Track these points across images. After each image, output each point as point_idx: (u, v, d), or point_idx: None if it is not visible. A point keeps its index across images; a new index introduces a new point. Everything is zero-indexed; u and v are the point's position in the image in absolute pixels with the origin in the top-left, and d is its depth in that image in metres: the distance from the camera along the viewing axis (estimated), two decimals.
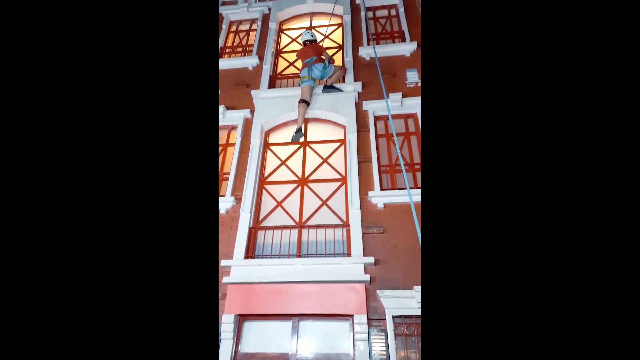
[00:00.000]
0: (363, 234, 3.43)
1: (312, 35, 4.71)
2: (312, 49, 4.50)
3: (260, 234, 3.73)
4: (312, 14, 5.72)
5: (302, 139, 4.22)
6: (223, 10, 5.85)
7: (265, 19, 5.66)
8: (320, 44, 5.08)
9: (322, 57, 4.46)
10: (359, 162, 3.90)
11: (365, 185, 3.75)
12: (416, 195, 3.57)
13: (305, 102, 4.20)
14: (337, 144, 4.25)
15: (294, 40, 5.48)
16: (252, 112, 4.53)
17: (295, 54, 5.14)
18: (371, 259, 3.22)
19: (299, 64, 5.11)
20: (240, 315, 3.21)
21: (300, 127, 4.15)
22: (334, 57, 4.94)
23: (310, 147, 4.30)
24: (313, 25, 5.62)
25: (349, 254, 3.38)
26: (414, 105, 4.24)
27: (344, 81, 4.64)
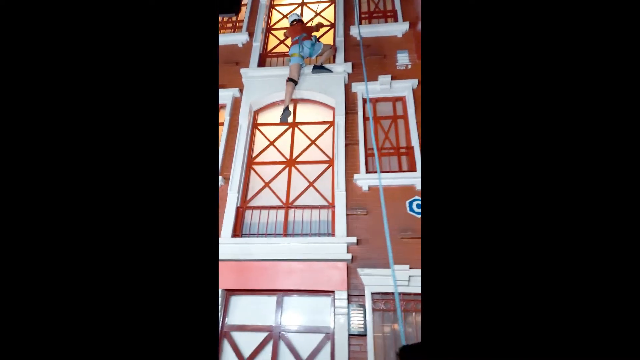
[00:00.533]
0: (347, 215, 3.54)
1: (298, 16, 4.63)
2: (300, 27, 4.43)
3: (248, 213, 3.82)
4: None
5: (290, 119, 4.22)
6: None
7: None
8: (312, 21, 4.98)
9: (310, 33, 4.39)
10: (346, 145, 3.95)
11: (351, 168, 3.82)
12: (400, 179, 3.67)
13: (293, 81, 4.17)
14: (326, 126, 4.28)
15: (285, 16, 5.33)
16: (241, 91, 4.49)
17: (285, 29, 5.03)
18: (353, 239, 3.35)
19: (289, 42, 5.02)
20: (227, 290, 3.36)
21: (288, 107, 4.15)
22: (326, 36, 4.85)
23: (299, 129, 4.32)
24: (305, 1, 5.46)
25: (333, 234, 3.51)
26: (404, 88, 4.24)
27: (334, 61, 4.59)
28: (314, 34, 4.45)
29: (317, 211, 3.74)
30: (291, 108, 4.25)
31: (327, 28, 5.12)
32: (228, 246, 3.49)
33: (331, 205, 3.71)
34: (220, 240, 3.52)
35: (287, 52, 4.85)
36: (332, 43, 4.74)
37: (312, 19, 5.12)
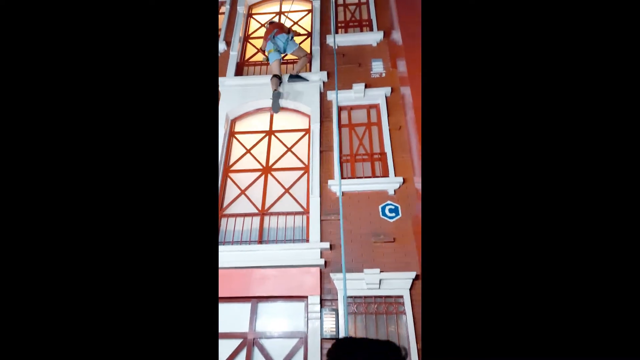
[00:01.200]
0: (321, 220, 3.61)
1: (274, 17, 4.79)
2: (274, 26, 4.58)
3: (224, 221, 3.85)
4: None
5: (280, 102, 4.24)
6: None
7: (234, 2, 5.55)
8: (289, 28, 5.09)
9: (284, 28, 4.54)
10: (321, 152, 4.03)
11: (326, 174, 3.90)
12: (374, 184, 3.76)
13: (277, 77, 4.29)
14: (302, 133, 4.35)
15: (262, 25, 5.42)
16: (218, 100, 4.54)
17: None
18: (327, 244, 3.42)
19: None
20: None
21: (278, 92, 4.20)
22: (302, 45, 4.95)
23: (275, 136, 4.38)
24: (283, 10, 5.56)
25: (307, 240, 3.57)
26: (377, 95, 4.36)
27: (310, 70, 4.69)
28: (290, 30, 4.58)
29: (292, 217, 3.79)
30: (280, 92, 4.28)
31: (304, 37, 5.22)
32: None
33: (306, 211, 3.78)
34: None
35: (264, 60, 4.94)
36: (308, 51, 4.83)
37: (291, 26, 5.21)
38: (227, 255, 3.47)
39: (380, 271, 3.21)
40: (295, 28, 5.31)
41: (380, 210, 3.65)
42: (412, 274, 3.16)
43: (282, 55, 4.52)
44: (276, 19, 5.19)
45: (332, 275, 3.26)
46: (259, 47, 5.14)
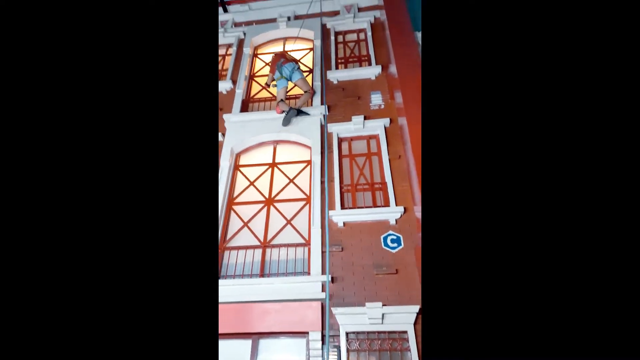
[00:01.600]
0: (323, 252, 3.59)
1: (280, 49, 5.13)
2: (280, 56, 4.90)
3: (226, 254, 3.88)
4: (285, 39, 5.99)
5: (293, 118, 4.50)
6: None
7: (241, 43, 5.92)
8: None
9: (287, 57, 4.85)
10: (322, 182, 4.08)
11: (328, 204, 3.92)
12: (375, 214, 3.75)
13: (283, 102, 4.58)
14: (304, 165, 4.45)
15: (267, 64, 5.73)
16: (224, 135, 4.73)
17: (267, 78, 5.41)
18: (328, 277, 3.37)
19: (272, 88, 5.36)
20: None
21: (288, 111, 4.46)
22: (306, 79, 5.18)
23: (278, 168, 4.49)
24: (286, 49, 5.89)
25: (309, 273, 3.53)
26: (376, 127, 4.46)
27: (312, 104, 4.87)
28: (294, 60, 4.88)
29: (294, 249, 3.79)
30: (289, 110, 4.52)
31: (306, 73, 5.48)
32: None
33: (307, 243, 3.77)
34: None
35: (269, 97, 5.19)
36: (310, 86, 5.04)
37: (298, 61, 5.47)
38: (228, 290, 3.46)
39: (383, 305, 3.12)
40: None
41: (382, 240, 3.61)
42: (416, 308, 3.06)
43: (288, 82, 4.79)
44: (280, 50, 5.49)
45: (333, 309, 3.19)
46: (263, 84, 5.41)
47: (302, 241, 3.83)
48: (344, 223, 3.77)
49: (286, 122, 4.50)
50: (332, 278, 3.40)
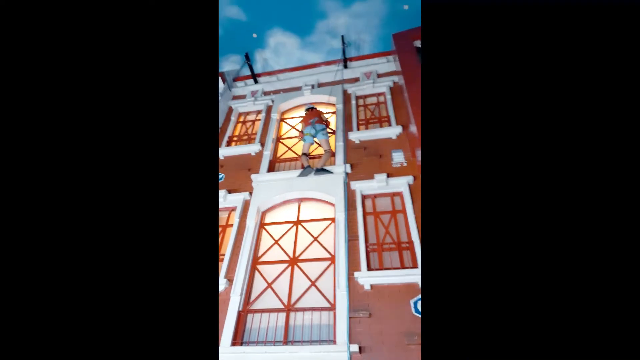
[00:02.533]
0: (349, 318, 3.40)
1: (311, 105, 5.62)
2: (313, 114, 5.31)
3: (249, 317, 3.76)
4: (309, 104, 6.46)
5: (310, 174, 4.77)
6: (233, 103, 6.75)
7: (269, 110, 6.45)
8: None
9: (323, 120, 5.26)
10: (346, 241, 4.03)
11: (352, 265, 3.82)
12: (403, 276, 3.58)
13: (305, 155, 4.97)
14: (328, 222, 4.45)
15: (292, 127, 6.13)
16: (251, 194, 4.92)
17: (293, 139, 5.76)
18: (355, 347, 3.14)
19: (297, 148, 5.67)
20: None
21: (307, 166, 4.81)
22: (329, 140, 5.44)
23: (302, 226, 4.52)
24: (322, 111, 6.31)
25: (334, 341, 3.31)
26: (400, 184, 4.48)
27: (334, 163, 5.04)
28: (325, 122, 5.27)
29: (319, 314, 3.62)
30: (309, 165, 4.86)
31: (331, 133, 5.77)
32: (226, 356, 3.35)
33: (332, 307, 3.60)
34: (219, 349, 3.41)
35: (294, 157, 5.47)
36: (332, 148, 5.26)
37: (329, 124, 5.82)
38: (250, 358, 3.29)
39: None
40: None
41: (412, 305, 3.38)
42: None
43: (314, 139, 5.18)
44: (310, 105, 5.90)
45: None
46: (289, 145, 5.74)
47: (327, 305, 3.67)
48: (371, 286, 3.61)
49: (303, 175, 4.81)
50: (359, 348, 3.16)
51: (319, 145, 5.21)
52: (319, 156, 5.21)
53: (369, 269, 3.77)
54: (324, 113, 5.60)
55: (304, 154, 5.03)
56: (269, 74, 7.08)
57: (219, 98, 6.50)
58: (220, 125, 6.34)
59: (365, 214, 4.34)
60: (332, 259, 4.03)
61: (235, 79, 7.13)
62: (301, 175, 4.81)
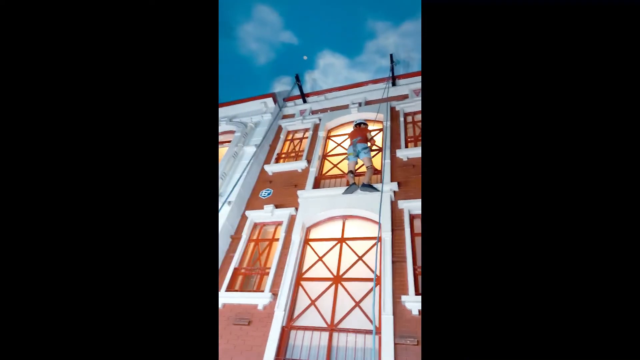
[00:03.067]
0: (395, 344, 3.21)
1: (361, 121, 5.57)
2: (359, 132, 5.28)
3: (292, 333, 3.74)
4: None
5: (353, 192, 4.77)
6: (283, 122, 7.05)
7: (316, 128, 6.62)
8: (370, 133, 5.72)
9: (367, 138, 5.20)
10: (393, 262, 3.88)
11: (399, 288, 3.64)
12: None
13: (351, 172, 4.99)
14: (373, 242, 4.34)
15: (339, 145, 6.20)
16: (297, 209, 5.02)
17: (338, 157, 5.81)
18: None
19: (343, 165, 5.70)
20: None
21: (351, 184, 4.82)
22: (374, 159, 5.39)
23: (347, 244, 4.46)
24: (369, 129, 6.34)
25: None
26: None
27: (381, 181, 4.95)
28: (369, 141, 5.21)
29: (363, 336, 3.48)
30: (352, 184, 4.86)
31: (376, 152, 5.72)
32: None
33: (378, 331, 3.44)
34: None
35: (339, 174, 5.50)
36: (372, 163, 5.16)
37: (372, 136, 5.79)
38: None
39: None
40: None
41: None
42: None
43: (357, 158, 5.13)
44: (360, 120, 5.90)
45: None
46: (335, 162, 5.80)
47: (371, 327, 3.52)
48: (419, 311, 3.40)
49: (348, 192, 4.81)
50: None
51: (362, 161, 5.17)
52: (364, 174, 5.16)
53: (417, 293, 3.56)
54: (369, 130, 5.57)
55: (350, 171, 5.05)
56: (317, 93, 7.32)
57: (271, 118, 6.85)
58: (270, 142, 6.64)
59: (413, 235, 4.15)
60: (377, 280, 3.89)
61: (286, 99, 7.48)
62: (346, 192, 4.81)
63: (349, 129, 6.50)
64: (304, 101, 7.32)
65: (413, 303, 3.45)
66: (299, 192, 5.17)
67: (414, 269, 3.78)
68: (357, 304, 3.77)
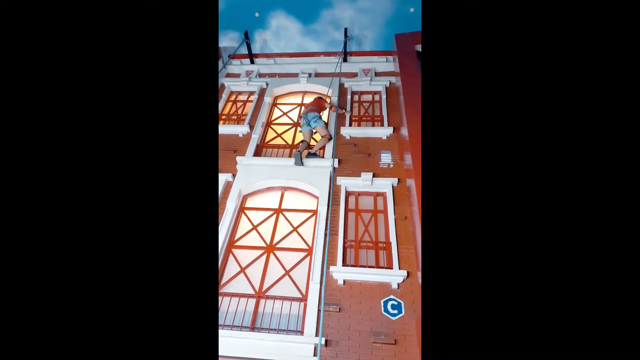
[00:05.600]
0: (319, 310, 3.41)
1: (322, 96, 5.62)
2: (315, 102, 5.33)
3: (219, 300, 3.70)
4: (304, 93, 6.36)
5: (301, 164, 4.75)
6: (226, 81, 6.53)
7: (262, 92, 6.29)
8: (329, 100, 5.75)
9: (323, 107, 5.28)
10: (325, 235, 4.03)
11: (329, 259, 3.83)
12: (377, 275, 3.63)
13: (304, 142, 4.98)
14: (309, 214, 4.43)
15: (285, 114, 6.02)
16: (234, 176, 4.81)
17: (283, 126, 5.67)
18: (322, 340, 3.16)
19: (287, 135, 5.58)
20: None
21: (300, 153, 4.79)
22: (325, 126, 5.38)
23: (284, 215, 4.47)
24: (304, 102, 6.22)
25: (302, 332, 3.32)
26: (384, 184, 4.52)
27: (323, 156, 5.01)
28: (330, 108, 5.33)
29: (289, 303, 3.61)
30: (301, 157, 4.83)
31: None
32: None
33: (304, 298, 3.61)
34: None
35: (282, 144, 5.40)
36: (327, 132, 5.19)
37: (329, 105, 5.70)
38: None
39: None
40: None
41: (382, 305, 3.44)
42: None
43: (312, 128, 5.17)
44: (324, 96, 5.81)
45: None
46: (279, 132, 5.65)
47: (299, 295, 3.67)
48: (344, 281, 3.64)
49: (297, 161, 4.76)
50: (325, 341, 3.18)
51: (317, 131, 5.16)
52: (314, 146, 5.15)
53: (344, 264, 3.79)
54: (326, 101, 5.55)
55: (302, 141, 5.05)
56: (267, 56, 6.90)
57: None
58: None
59: (347, 210, 4.35)
60: (309, 251, 4.03)
61: (232, 56, 6.89)
62: (296, 163, 4.78)
63: (297, 98, 6.34)
64: (252, 62, 6.84)
65: (340, 273, 3.67)
66: (239, 158, 4.95)
67: (344, 242, 4.00)
68: (287, 272, 3.87)
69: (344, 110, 5.59)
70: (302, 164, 4.76)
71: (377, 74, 6.36)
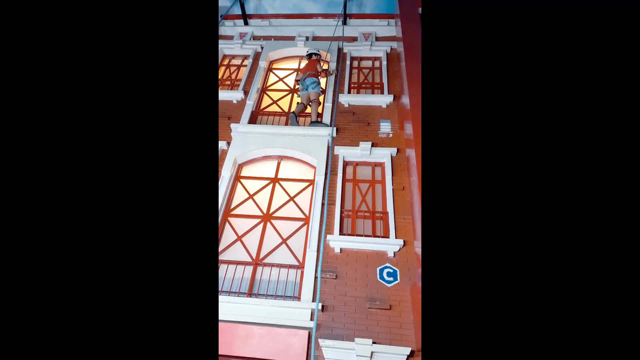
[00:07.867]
0: (315, 277, 3.46)
1: (314, 50, 5.46)
2: (309, 65, 5.22)
3: None
4: (300, 57, 6.06)
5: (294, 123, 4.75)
6: (219, 43, 6.17)
7: (257, 56, 5.98)
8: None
9: (317, 70, 5.17)
10: (323, 204, 4.00)
11: (326, 228, 3.82)
12: (373, 244, 3.65)
13: (302, 104, 4.93)
14: (306, 184, 4.38)
15: (281, 79, 5.77)
16: (229, 144, 4.68)
17: (279, 92, 5.45)
18: (319, 305, 3.23)
19: (283, 102, 5.39)
20: None
21: (295, 113, 4.78)
22: (321, 96, 5.19)
23: (280, 184, 4.41)
24: (300, 68, 5.94)
25: (299, 298, 3.38)
26: (383, 155, 4.44)
27: (322, 120, 4.86)
28: (319, 74, 5.17)
29: (286, 271, 3.65)
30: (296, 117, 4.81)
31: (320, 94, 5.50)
32: None
33: (301, 266, 3.64)
34: None
35: (278, 111, 5.21)
36: (317, 97, 5.00)
37: (326, 69, 5.50)
38: None
39: (373, 342, 2.97)
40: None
41: (378, 272, 3.49)
42: (407, 350, 2.91)
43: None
44: (313, 49, 5.55)
45: (320, 341, 3.03)
46: (275, 98, 5.44)
47: (296, 263, 3.70)
48: (340, 249, 3.66)
49: (292, 122, 4.75)
50: (322, 306, 3.25)
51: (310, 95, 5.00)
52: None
53: (341, 233, 3.80)
54: (319, 62, 5.31)
55: (300, 102, 4.95)
56: (262, 17, 6.49)
57: None
58: None
59: (344, 180, 4.29)
60: (306, 220, 4.01)
61: (224, 17, 6.46)
62: (291, 122, 4.75)
63: (294, 63, 6.05)
64: (246, 23, 6.44)
65: (336, 242, 3.69)
66: (233, 126, 4.78)
67: (341, 212, 3.98)
68: (284, 241, 3.88)
69: (332, 72, 5.44)
70: (297, 124, 4.74)
71: (377, 39, 6.05)
